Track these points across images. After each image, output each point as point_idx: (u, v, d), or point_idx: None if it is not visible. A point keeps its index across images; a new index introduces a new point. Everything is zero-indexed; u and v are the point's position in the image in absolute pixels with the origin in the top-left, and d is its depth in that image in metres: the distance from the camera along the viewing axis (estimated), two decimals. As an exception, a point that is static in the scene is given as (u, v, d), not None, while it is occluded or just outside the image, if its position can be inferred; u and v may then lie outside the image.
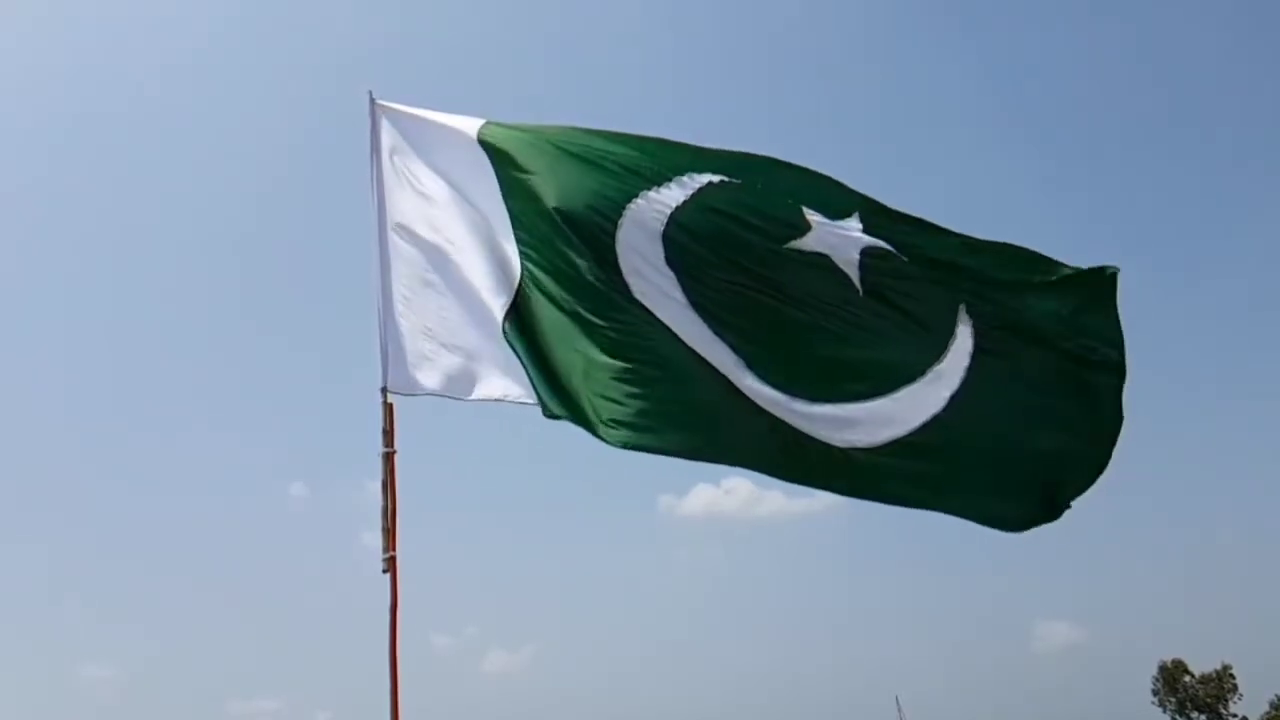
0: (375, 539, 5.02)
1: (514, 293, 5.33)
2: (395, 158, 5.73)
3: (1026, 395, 4.92)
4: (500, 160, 5.48)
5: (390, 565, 4.94)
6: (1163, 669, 56.01)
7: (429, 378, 5.39)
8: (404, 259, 5.60)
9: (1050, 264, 4.93)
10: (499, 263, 5.44)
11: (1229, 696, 54.63)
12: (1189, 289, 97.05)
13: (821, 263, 4.95)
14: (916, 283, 4.94)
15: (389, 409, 5.24)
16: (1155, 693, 55.97)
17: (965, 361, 4.87)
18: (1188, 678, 55.42)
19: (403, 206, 5.68)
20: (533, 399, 5.18)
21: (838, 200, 5.00)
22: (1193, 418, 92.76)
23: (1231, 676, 54.71)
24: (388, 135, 5.73)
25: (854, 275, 4.92)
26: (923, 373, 4.88)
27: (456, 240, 5.56)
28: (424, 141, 5.72)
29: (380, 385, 5.30)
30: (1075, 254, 4.87)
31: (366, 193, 5.69)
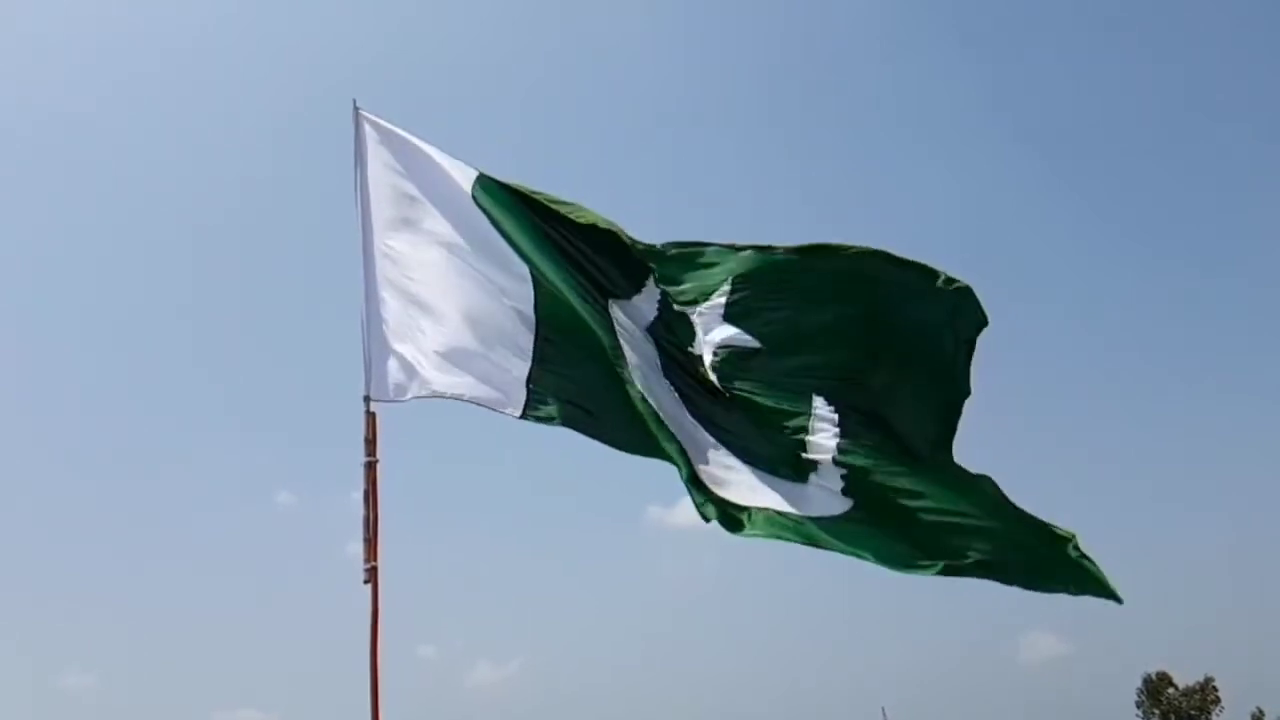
0: (360, 548, 4.98)
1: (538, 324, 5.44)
2: (381, 167, 5.72)
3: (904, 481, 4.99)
4: (487, 187, 5.61)
5: (371, 575, 4.90)
6: (1147, 681, 56.20)
7: (413, 385, 5.37)
8: (390, 266, 5.59)
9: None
10: (498, 271, 5.51)
11: (1211, 709, 54.84)
12: (1187, 297, 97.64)
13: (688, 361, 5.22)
14: (769, 379, 5.07)
15: (371, 418, 5.22)
16: (1139, 704, 56.17)
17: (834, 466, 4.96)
18: (1171, 690, 55.61)
19: (390, 215, 5.67)
20: (511, 407, 5.30)
21: (704, 280, 5.23)
22: (1180, 431, 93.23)
23: (1214, 689, 54.96)
24: (374, 144, 5.73)
25: (714, 376, 5.14)
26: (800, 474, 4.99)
27: (447, 248, 5.58)
28: (410, 151, 5.72)
29: (363, 394, 5.28)
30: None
31: (352, 201, 5.66)
